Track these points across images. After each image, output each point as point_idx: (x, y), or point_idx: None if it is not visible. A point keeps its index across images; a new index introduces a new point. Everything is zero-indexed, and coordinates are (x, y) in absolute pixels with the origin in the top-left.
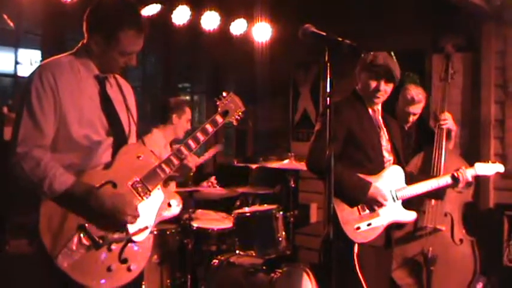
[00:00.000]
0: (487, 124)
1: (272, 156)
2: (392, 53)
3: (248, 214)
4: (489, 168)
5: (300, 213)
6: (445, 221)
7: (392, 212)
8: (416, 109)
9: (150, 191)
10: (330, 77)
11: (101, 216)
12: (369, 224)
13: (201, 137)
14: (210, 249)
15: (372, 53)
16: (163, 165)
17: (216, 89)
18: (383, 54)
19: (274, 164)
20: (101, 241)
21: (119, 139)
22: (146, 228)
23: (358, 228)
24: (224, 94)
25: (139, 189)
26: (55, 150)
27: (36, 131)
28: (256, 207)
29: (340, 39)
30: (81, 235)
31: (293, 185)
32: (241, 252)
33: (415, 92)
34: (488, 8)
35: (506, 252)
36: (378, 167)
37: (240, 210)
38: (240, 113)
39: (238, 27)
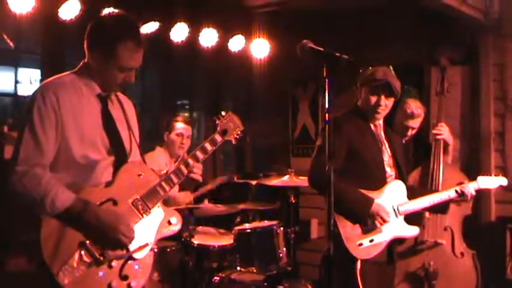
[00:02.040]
0: (487, 137)
1: (272, 172)
2: (391, 67)
3: (249, 230)
4: (492, 182)
5: (300, 229)
6: (445, 234)
7: (395, 228)
8: (415, 123)
9: (150, 209)
10: (328, 93)
11: (99, 233)
12: (371, 240)
13: (200, 155)
14: (211, 266)
15: (371, 67)
16: (163, 183)
17: (215, 106)
18: (382, 68)
19: (274, 181)
20: (101, 258)
21: (120, 158)
22: (147, 245)
23: (361, 244)
24: (223, 113)
25: (140, 207)
26: (55, 169)
27: (37, 151)
28: (257, 224)
29: (338, 54)
30: (82, 252)
31: (293, 201)
32: (243, 269)
33: (414, 106)
34: (485, 21)
35: (510, 265)
36: (380, 182)
37: (240, 227)
38: (239, 132)
39: (236, 43)
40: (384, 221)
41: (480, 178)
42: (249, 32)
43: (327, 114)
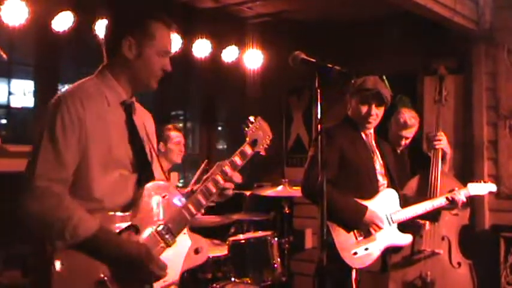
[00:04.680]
0: (480, 145)
1: (266, 182)
2: (384, 77)
3: (243, 241)
4: (482, 188)
5: (295, 239)
6: (443, 244)
7: (389, 236)
8: (409, 133)
9: (175, 236)
10: (320, 103)
11: (123, 269)
12: (366, 249)
13: (229, 171)
14: (205, 277)
15: (361, 77)
16: (190, 206)
17: (209, 116)
18: (372, 78)
19: (268, 191)
20: None
21: (145, 174)
22: (173, 283)
23: (356, 253)
24: (251, 119)
25: (165, 235)
26: (72, 187)
27: (57, 163)
28: (251, 234)
29: (330, 65)
30: None
31: (287, 211)
32: (237, 280)
33: (408, 115)
34: (478, 30)
35: (504, 274)
36: (372, 191)
37: (234, 238)
38: (268, 141)
39: (229, 54)
40: (379, 228)
41: (470, 185)
42: (242, 43)
43: (319, 125)
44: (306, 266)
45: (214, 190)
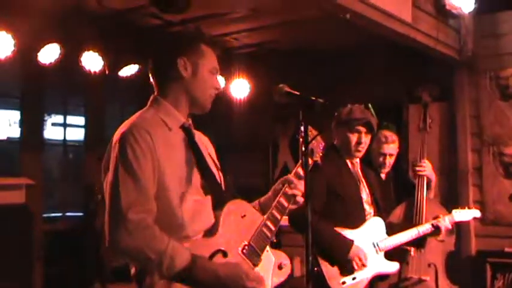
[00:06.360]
0: (464, 172)
1: None
2: (370, 105)
3: None
4: (466, 214)
5: None
6: (429, 271)
7: (376, 264)
8: (391, 149)
9: (260, 255)
10: (305, 135)
11: None
12: (354, 278)
13: (295, 181)
14: None
15: (348, 106)
16: (269, 223)
17: None
18: (358, 107)
19: None
20: None
21: (217, 196)
22: None
23: (344, 282)
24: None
25: (250, 255)
26: (156, 218)
27: (141, 194)
28: None
29: (313, 98)
30: None
31: (275, 240)
32: None
33: (388, 134)
34: (460, 58)
35: None
36: (359, 220)
37: None
38: (322, 149)
39: None
40: (363, 266)
41: (455, 211)
42: (229, 73)
43: (303, 158)
44: None
45: (286, 204)
